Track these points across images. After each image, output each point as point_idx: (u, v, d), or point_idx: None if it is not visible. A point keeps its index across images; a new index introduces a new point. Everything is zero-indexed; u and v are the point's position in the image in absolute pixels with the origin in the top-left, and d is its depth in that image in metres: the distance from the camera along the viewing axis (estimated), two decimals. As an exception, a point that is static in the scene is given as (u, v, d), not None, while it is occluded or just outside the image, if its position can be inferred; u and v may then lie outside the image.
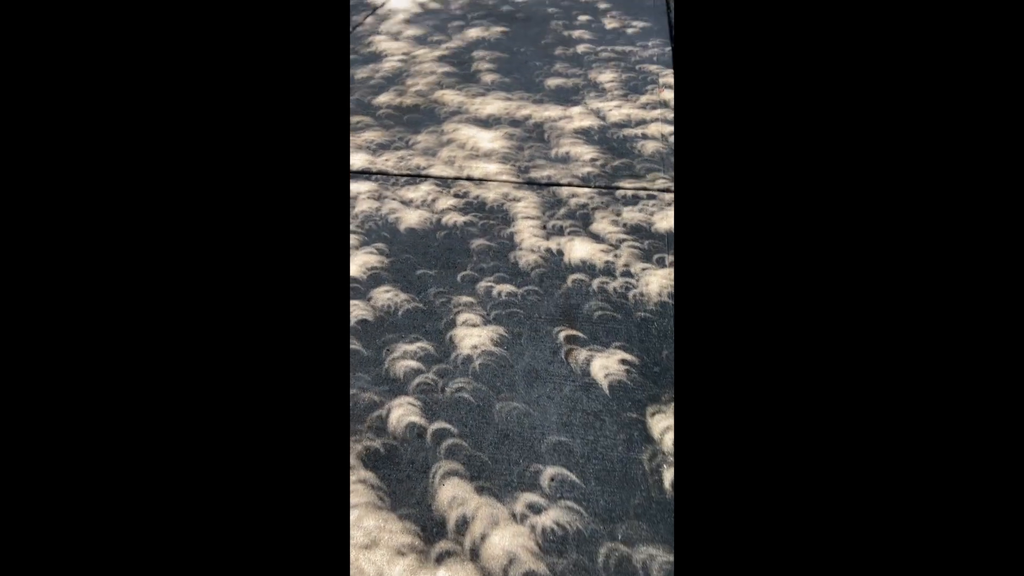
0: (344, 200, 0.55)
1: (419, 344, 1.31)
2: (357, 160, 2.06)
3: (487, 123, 2.25)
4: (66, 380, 0.47)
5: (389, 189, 1.88)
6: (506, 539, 0.95)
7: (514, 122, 2.25)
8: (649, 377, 1.22)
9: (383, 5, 3.71)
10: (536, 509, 0.99)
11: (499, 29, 3.22)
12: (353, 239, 1.66)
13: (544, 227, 1.67)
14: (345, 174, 0.54)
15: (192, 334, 0.49)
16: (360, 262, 1.56)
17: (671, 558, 0.92)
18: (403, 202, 1.81)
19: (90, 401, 0.47)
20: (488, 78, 2.64)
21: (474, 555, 0.93)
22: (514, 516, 0.98)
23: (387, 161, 2.04)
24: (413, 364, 1.26)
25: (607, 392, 1.19)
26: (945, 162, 0.46)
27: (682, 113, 0.51)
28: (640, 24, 3.13)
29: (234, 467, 0.48)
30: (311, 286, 0.51)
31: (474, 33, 3.17)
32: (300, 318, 0.50)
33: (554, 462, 1.06)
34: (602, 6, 3.51)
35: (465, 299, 1.43)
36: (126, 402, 0.47)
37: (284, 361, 0.50)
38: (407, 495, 1.01)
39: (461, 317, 1.38)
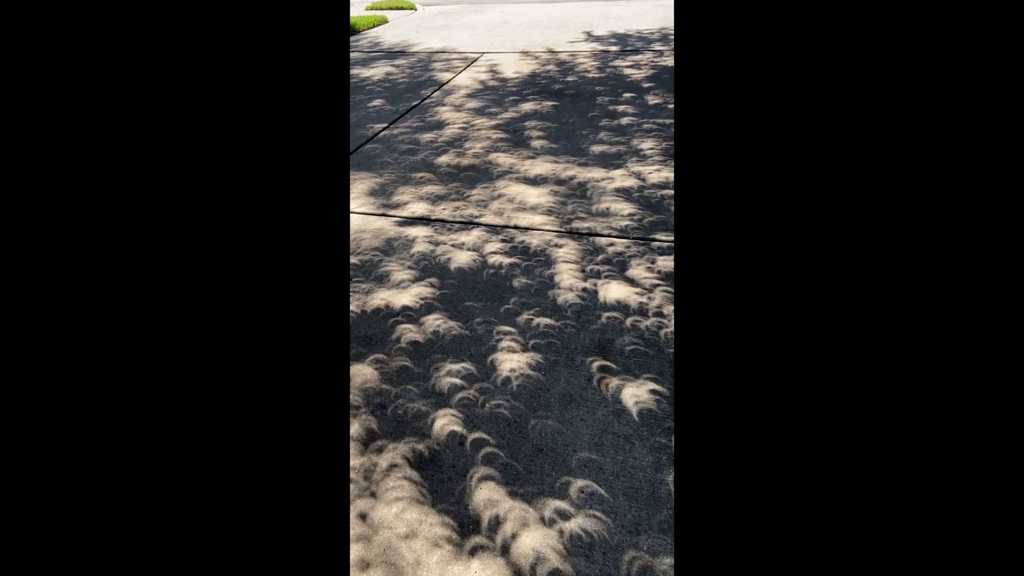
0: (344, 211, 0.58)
1: (463, 364, 1.43)
2: (418, 208, 2.30)
3: (535, 181, 2.47)
4: (61, 397, 0.47)
5: (444, 234, 2.08)
6: (536, 539, 1.00)
7: (560, 181, 2.46)
8: (678, 407, 1.28)
9: (448, 82, 4.17)
10: (565, 516, 1.05)
11: (550, 103, 3.55)
12: (409, 274, 1.84)
13: (583, 271, 1.80)
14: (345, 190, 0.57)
15: (190, 337, 0.50)
16: (415, 293, 1.73)
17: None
18: (455, 245, 2.00)
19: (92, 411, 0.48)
20: (538, 144, 2.90)
21: (505, 551, 0.99)
22: (543, 520, 1.04)
23: (444, 210, 2.27)
24: (457, 381, 1.38)
25: (637, 418, 1.26)
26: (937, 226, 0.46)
27: (681, 178, 0.57)
28: (681, 101, 3.38)
29: (233, 467, 0.49)
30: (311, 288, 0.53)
31: (527, 106, 3.51)
32: (300, 320, 0.52)
33: (584, 476, 1.12)
34: (646, 85, 3.82)
35: (506, 328, 1.55)
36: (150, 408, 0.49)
37: (284, 363, 0.51)
38: (447, 494, 1.10)
39: (503, 344, 1.49)
